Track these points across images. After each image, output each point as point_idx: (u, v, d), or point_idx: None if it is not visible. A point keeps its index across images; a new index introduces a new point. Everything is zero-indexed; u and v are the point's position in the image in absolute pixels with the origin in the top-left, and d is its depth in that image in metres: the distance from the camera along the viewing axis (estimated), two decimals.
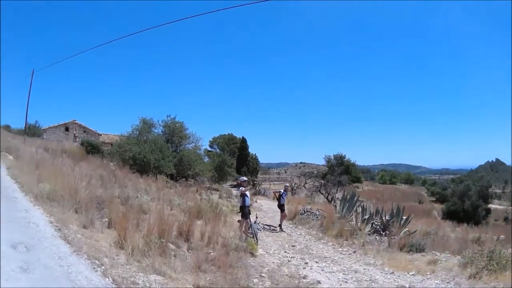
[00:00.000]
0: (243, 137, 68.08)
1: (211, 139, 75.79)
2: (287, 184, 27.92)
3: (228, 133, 78.65)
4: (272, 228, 19.94)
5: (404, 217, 20.33)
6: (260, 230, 17.72)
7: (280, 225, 20.19)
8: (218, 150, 68.99)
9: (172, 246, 9.94)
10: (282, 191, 21.80)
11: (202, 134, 58.31)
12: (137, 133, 36.64)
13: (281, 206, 20.94)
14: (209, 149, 69.48)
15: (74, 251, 7.47)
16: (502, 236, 28.99)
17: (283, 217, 20.81)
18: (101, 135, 57.28)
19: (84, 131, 56.45)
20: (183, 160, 35.82)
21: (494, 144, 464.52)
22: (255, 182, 53.11)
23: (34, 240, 7.60)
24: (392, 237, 17.23)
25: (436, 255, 14.42)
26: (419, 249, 15.11)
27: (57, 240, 7.92)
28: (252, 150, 67.53)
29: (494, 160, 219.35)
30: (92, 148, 38.82)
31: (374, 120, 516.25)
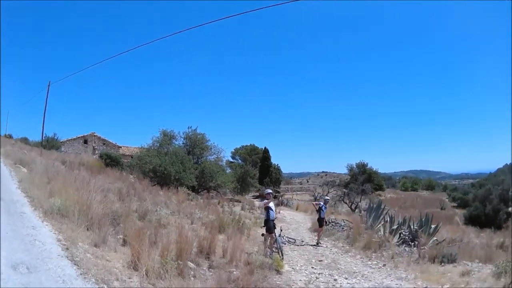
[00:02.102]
0: (265, 148, 67.21)
1: (233, 150, 75.48)
2: (327, 197, 26.04)
3: (250, 144, 78.09)
4: (298, 242, 19.01)
5: (433, 226, 19.72)
6: (285, 244, 17.02)
7: (318, 242, 19.05)
8: (240, 161, 68.56)
9: (191, 265, 9.16)
10: (322, 203, 20.56)
11: (224, 146, 57.65)
12: (158, 145, 36.40)
13: (320, 220, 19.84)
14: (231, 160, 69.04)
15: (81, 274, 6.63)
16: None
17: (320, 232, 19.82)
18: (121, 147, 56.84)
19: (104, 144, 56.10)
20: (204, 171, 35.33)
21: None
22: (278, 192, 52.19)
23: (37, 261, 6.79)
24: (422, 247, 16.46)
25: (468, 265, 13.76)
26: (451, 259, 14.38)
27: (63, 261, 7.07)
28: (274, 160, 66.72)
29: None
30: (111, 160, 38.15)
31: (394, 127, 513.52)
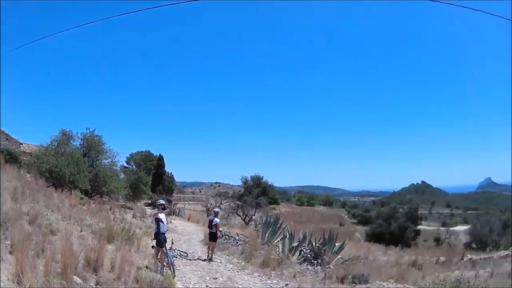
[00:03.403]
0: (160, 155, 66.48)
1: (128, 155, 73.68)
2: (217, 209, 22.96)
3: (146, 150, 76.75)
4: (190, 256, 18.16)
5: (337, 244, 19.57)
6: (176, 258, 16.07)
7: (211, 257, 17.97)
8: (134, 167, 67.11)
9: (78, 280, 8.42)
10: (213, 218, 18.88)
11: (120, 150, 56.17)
12: (56, 144, 34.68)
13: (213, 234, 18.46)
14: (126, 165, 67.40)
15: None
16: (442, 258, 29.27)
17: (212, 246, 18.49)
18: (22, 144, 53.96)
19: (7, 139, 52.97)
20: (98, 175, 34.14)
21: (416, 167, 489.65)
22: (170, 201, 51.46)
23: None
24: (326, 266, 16.18)
25: (383, 286, 13.74)
26: (363, 280, 14.01)
27: None
28: (168, 168, 66.10)
29: (419, 182, 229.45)
30: (10, 157, 36.21)
31: (290, 142, 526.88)
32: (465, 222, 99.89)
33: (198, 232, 27.52)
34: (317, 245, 18.14)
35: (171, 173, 67.35)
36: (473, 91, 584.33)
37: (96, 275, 9.51)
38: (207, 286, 12.99)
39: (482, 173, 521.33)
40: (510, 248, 39.35)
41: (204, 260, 17.64)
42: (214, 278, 14.12)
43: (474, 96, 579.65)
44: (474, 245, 56.55)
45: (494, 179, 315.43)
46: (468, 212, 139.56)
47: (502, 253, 35.42)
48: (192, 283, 13.20)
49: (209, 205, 56.73)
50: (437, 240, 66.74)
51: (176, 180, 77.77)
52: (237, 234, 24.22)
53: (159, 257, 13.28)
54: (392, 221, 61.22)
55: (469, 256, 34.16)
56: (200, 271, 15.30)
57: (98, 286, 8.98)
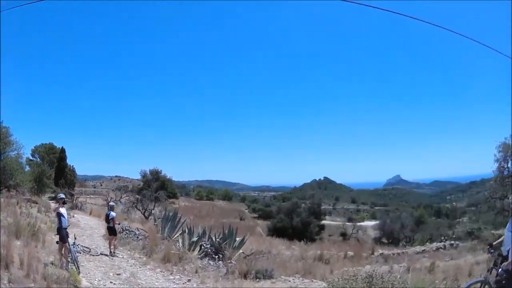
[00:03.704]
0: (62, 147, 65.13)
1: (33, 148, 71.43)
2: (112, 203, 23.31)
3: (49, 142, 74.60)
4: (93, 251, 17.71)
5: (238, 238, 19.46)
6: (80, 253, 15.76)
7: (112, 252, 17.70)
8: (39, 160, 65.28)
9: None
10: (109, 212, 18.80)
11: (26, 141, 54.48)
12: None
13: (111, 228, 18.31)
14: (31, 158, 65.47)
15: None
16: (350, 252, 30.02)
17: (113, 240, 18.18)
18: None
19: None
20: (6, 168, 33.22)
21: (319, 164, 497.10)
22: (72, 195, 50.53)
23: None
24: (228, 261, 16.10)
25: (289, 281, 13.94)
26: (267, 275, 13.98)
27: None
28: (70, 161, 64.87)
29: (322, 178, 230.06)
30: None
31: (188, 134, 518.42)
32: (373, 217, 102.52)
33: (100, 226, 27.05)
34: (217, 240, 18.15)
35: (73, 166, 66.36)
36: (379, 90, 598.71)
37: (7, 272, 9.56)
38: (111, 282, 12.78)
39: (391, 171, 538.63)
40: (427, 243, 41.77)
41: (107, 255, 17.44)
42: (118, 274, 13.93)
43: (383, 95, 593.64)
44: (385, 240, 58.14)
45: (403, 177, 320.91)
46: (376, 208, 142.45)
47: (418, 248, 37.39)
48: (96, 279, 12.97)
49: (109, 199, 55.74)
50: (344, 235, 68.35)
51: (78, 174, 76.48)
52: (137, 228, 24.14)
53: (63, 252, 13.03)
54: (294, 216, 61.50)
55: (380, 251, 34.97)
56: (103, 267, 15.06)
57: (10, 284, 9.06)
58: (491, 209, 43.81)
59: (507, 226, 7.70)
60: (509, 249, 7.29)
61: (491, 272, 7.71)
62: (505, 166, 32.28)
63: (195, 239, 19.06)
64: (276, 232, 57.27)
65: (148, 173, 75.72)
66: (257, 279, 13.69)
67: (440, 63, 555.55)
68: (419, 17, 9.68)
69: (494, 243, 8.80)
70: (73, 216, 29.14)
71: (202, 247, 17.99)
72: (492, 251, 8.15)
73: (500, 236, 10.08)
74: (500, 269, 7.10)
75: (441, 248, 36.33)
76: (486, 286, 7.96)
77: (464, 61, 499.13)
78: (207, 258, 16.92)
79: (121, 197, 57.27)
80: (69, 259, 12.95)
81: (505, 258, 7.48)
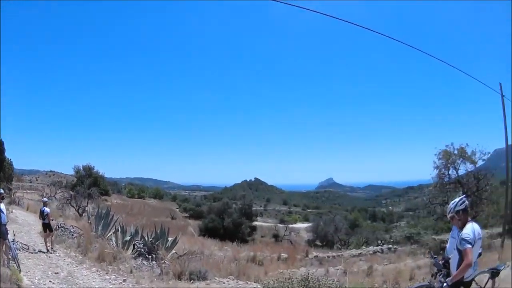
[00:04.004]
0: (0, 140, 63.62)
1: None
2: (45, 199, 22.43)
3: None
4: (31, 249, 17.19)
5: (170, 238, 19.19)
6: (19, 251, 15.17)
7: (50, 248, 17.40)
8: None
9: None
10: (43, 208, 18.51)
11: None
12: None
13: (46, 225, 17.95)
14: None
15: None
16: (283, 254, 30.14)
17: (48, 237, 17.82)
18: None
19: None
20: None
21: (250, 165, 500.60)
22: (10, 190, 49.38)
23: None
24: (162, 261, 15.90)
25: (224, 283, 13.91)
26: (201, 276, 13.89)
27: None
28: (8, 154, 63.28)
29: (253, 179, 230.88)
30: None
31: (120, 131, 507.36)
32: (305, 219, 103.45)
33: (37, 223, 26.52)
34: (150, 239, 17.76)
35: (10, 159, 65.02)
36: (315, 93, 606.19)
37: None
38: (50, 281, 12.46)
39: (324, 174, 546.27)
40: (363, 247, 42.53)
41: (45, 252, 17.10)
42: (56, 273, 13.60)
43: (317, 98, 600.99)
44: (319, 243, 57.88)
45: (336, 180, 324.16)
46: (309, 210, 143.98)
47: (355, 251, 37.33)
48: (36, 278, 12.62)
49: (45, 194, 54.70)
50: (276, 237, 68.14)
51: (16, 168, 74.82)
52: (72, 226, 23.82)
53: (4, 250, 12.63)
54: (226, 216, 61.34)
55: (315, 254, 34.75)
56: (42, 265, 14.70)
57: None
58: (431, 214, 45.05)
59: (451, 233, 8.09)
60: (452, 256, 7.60)
61: (435, 277, 8.02)
62: (446, 173, 33.44)
63: (128, 238, 18.79)
64: (208, 232, 56.37)
65: (82, 169, 74.56)
66: (191, 280, 13.65)
67: (378, 67, 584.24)
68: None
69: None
70: (12, 212, 28.47)
71: (135, 247, 17.68)
72: (435, 256, 8.45)
73: (442, 241, 10.59)
74: (445, 284, 7.29)
75: (378, 251, 36.36)
76: None
77: (404, 66, 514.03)
78: (141, 258, 16.69)
79: (55, 193, 56.28)
80: (9, 256, 12.65)
81: (447, 263, 7.83)
